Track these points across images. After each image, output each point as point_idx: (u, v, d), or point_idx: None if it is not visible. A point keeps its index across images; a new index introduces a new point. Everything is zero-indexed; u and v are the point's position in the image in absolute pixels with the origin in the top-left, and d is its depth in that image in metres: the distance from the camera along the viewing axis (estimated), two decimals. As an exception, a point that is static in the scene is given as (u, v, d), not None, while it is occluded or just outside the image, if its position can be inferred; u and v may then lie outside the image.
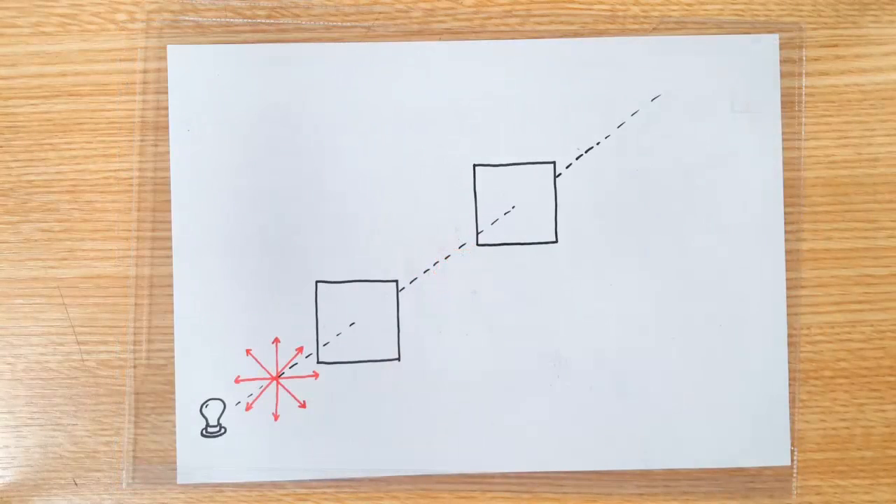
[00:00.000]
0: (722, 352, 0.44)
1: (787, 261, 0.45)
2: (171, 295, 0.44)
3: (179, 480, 0.44)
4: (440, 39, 0.45)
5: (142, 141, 0.44)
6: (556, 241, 0.44)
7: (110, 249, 0.44)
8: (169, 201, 0.44)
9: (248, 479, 0.43)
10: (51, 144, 0.45)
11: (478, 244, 0.44)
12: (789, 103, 0.45)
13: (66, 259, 0.44)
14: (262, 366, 0.44)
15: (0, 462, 0.44)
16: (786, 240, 0.45)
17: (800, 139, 0.45)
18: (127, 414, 0.44)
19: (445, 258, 0.44)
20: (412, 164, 0.44)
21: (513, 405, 0.44)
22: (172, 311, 0.44)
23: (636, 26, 0.45)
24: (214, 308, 0.44)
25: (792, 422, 0.44)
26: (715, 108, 0.45)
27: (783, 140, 0.45)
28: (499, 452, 0.44)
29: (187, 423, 0.44)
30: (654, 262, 0.44)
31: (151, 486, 0.44)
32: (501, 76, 0.45)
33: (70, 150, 0.45)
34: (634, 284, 0.44)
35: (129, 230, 0.44)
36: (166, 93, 0.44)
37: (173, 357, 0.44)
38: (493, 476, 0.44)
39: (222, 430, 0.44)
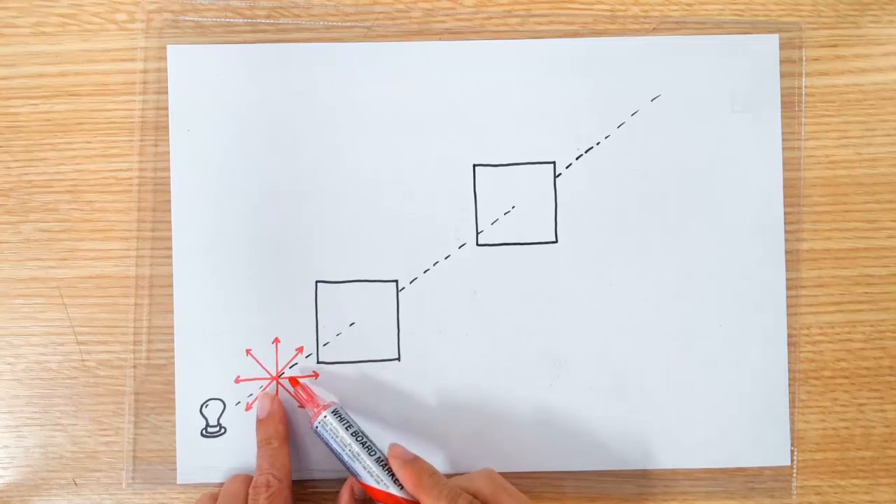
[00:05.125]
0: (722, 352, 0.44)
1: (787, 261, 0.45)
2: (171, 295, 0.44)
3: (179, 480, 0.44)
4: (440, 39, 0.45)
5: (142, 141, 0.44)
6: (556, 241, 0.44)
7: (110, 249, 0.44)
8: (169, 201, 0.44)
9: (248, 479, 0.44)
10: (51, 144, 0.45)
11: (478, 244, 0.44)
12: (789, 103, 0.45)
13: (66, 259, 0.44)
14: (262, 366, 0.44)
15: (0, 462, 0.44)
16: (786, 240, 0.45)
17: (800, 139, 0.45)
18: (127, 414, 0.44)
19: (445, 258, 0.44)
20: (412, 164, 0.44)
21: (513, 405, 0.44)
22: (172, 311, 0.44)
23: (636, 26, 0.45)
24: (214, 308, 0.44)
25: (792, 422, 0.44)
26: (715, 108, 0.45)
27: (783, 140, 0.45)
28: (499, 452, 0.44)
29: (187, 423, 0.44)
30: (654, 262, 0.44)
31: (151, 486, 0.44)
32: (501, 76, 0.45)
33: (70, 150, 0.45)
34: (634, 284, 0.44)
35: (129, 230, 0.44)
36: (166, 93, 0.44)
37: (173, 357, 0.44)
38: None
39: (222, 430, 0.44)
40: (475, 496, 0.37)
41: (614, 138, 0.45)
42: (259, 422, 0.43)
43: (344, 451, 0.40)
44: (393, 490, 0.39)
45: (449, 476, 0.39)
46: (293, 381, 0.43)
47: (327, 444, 0.41)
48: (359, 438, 0.40)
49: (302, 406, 0.43)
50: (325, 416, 0.41)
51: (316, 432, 0.41)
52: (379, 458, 0.40)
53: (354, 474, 0.40)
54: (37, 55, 0.45)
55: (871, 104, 0.45)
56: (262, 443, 0.42)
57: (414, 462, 0.39)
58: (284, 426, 0.43)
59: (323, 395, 0.43)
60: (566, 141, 0.45)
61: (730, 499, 0.44)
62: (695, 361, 0.44)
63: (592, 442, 0.44)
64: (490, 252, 0.44)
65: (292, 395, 0.43)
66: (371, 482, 0.39)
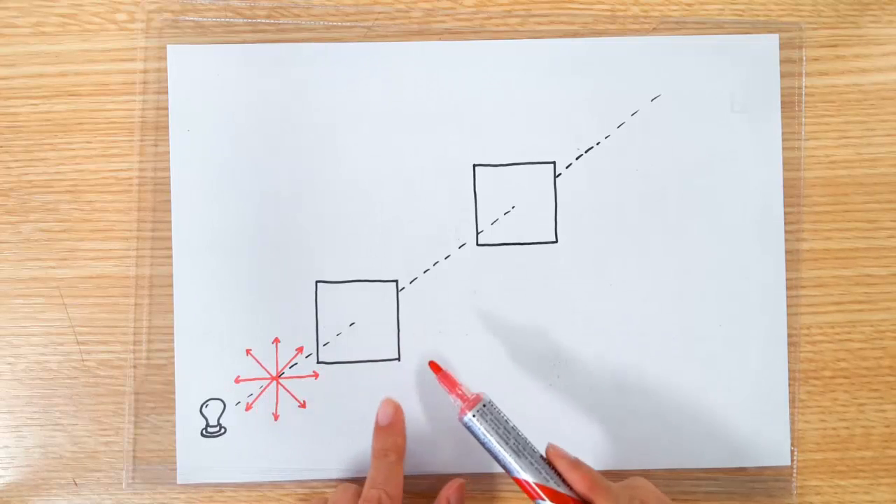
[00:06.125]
0: (722, 352, 0.44)
1: (787, 261, 0.45)
2: (171, 295, 0.44)
3: (179, 480, 0.44)
4: (440, 39, 0.45)
5: (142, 141, 0.44)
6: (556, 241, 0.44)
7: (110, 249, 0.44)
8: (169, 201, 0.44)
9: (248, 479, 0.43)
10: (51, 144, 0.45)
11: (478, 244, 0.44)
12: (789, 103, 0.45)
13: (66, 259, 0.44)
14: (262, 366, 0.44)
15: (0, 462, 0.44)
16: (786, 240, 0.45)
17: (800, 139, 0.45)
18: (127, 414, 0.44)
19: (445, 258, 0.44)
20: (412, 164, 0.44)
21: (513, 405, 0.44)
22: (172, 311, 0.44)
23: (636, 26, 0.45)
24: (214, 308, 0.44)
25: (792, 422, 0.44)
26: (715, 108, 0.45)
27: (783, 140, 0.45)
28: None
29: (187, 423, 0.44)
30: (654, 262, 0.44)
31: (151, 486, 0.44)
32: (501, 76, 0.45)
33: (70, 150, 0.45)
34: (634, 284, 0.44)
35: (129, 230, 0.44)
36: (166, 93, 0.44)
37: (173, 357, 0.44)
38: (493, 476, 0.44)
39: (222, 430, 0.44)
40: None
41: (614, 138, 0.45)
42: (378, 430, 0.41)
43: (507, 443, 0.38)
44: (562, 489, 0.37)
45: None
46: (434, 366, 0.41)
47: (481, 435, 0.38)
48: (519, 432, 0.39)
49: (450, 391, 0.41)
50: (484, 406, 0.39)
51: (468, 422, 0.39)
52: (540, 455, 0.38)
53: (510, 469, 0.38)
54: (37, 55, 0.45)
55: (871, 104, 0.45)
56: (379, 454, 0.39)
57: (582, 464, 0.37)
58: (404, 440, 0.40)
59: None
60: (566, 141, 0.45)
61: (730, 499, 0.44)
62: (695, 361, 0.44)
63: (592, 442, 0.44)
64: (490, 252, 0.44)
65: (441, 382, 0.41)
66: (534, 478, 0.37)
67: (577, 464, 0.37)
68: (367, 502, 0.37)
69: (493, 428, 0.38)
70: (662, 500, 0.37)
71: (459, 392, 0.40)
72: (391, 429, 0.41)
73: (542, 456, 0.38)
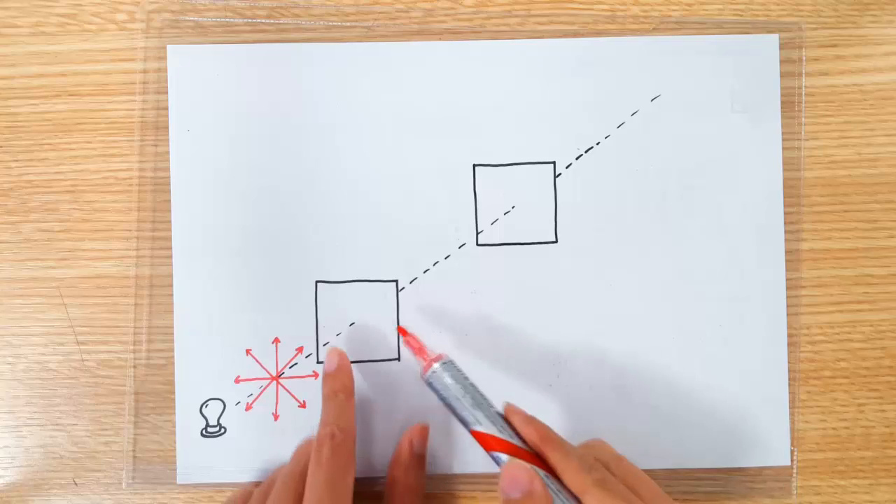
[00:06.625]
0: (722, 352, 0.44)
1: (787, 261, 0.45)
2: (171, 295, 0.44)
3: (179, 480, 0.44)
4: (440, 39, 0.45)
5: (142, 141, 0.44)
6: (556, 241, 0.44)
7: (110, 249, 0.44)
8: (169, 201, 0.44)
9: (248, 479, 0.43)
10: (51, 144, 0.45)
11: (478, 244, 0.44)
12: (789, 103, 0.45)
13: (66, 259, 0.44)
14: (262, 366, 0.44)
15: (0, 462, 0.44)
16: (786, 240, 0.45)
17: (800, 139, 0.45)
18: (127, 414, 0.44)
19: (445, 258, 0.44)
20: (412, 164, 0.44)
21: (513, 405, 0.44)
22: (172, 311, 0.44)
23: (636, 26, 0.45)
24: (214, 308, 0.44)
25: (792, 422, 0.44)
26: (715, 108, 0.45)
27: (783, 140, 0.45)
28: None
29: (187, 423, 0.44)
30: (654, 263, 0.44)
31: (151, 486, 0.44)
32: (501, 76, 0.45)
33: (70, 150, 0.45)
34: (634, 284, 0.44)
35: (129, 230, 0.44)
36: (166, 93, 0.44)
37: (173, 357, 0.44)
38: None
39: (222, 430, 0.44)
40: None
41: (614, 138, 0.45)
42: (326, 375, 0.41)
43: (466, 396, 0.39)
44: (516, 441, 0.37)
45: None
46: (402, 330, 0.43)
47: (442, 390, 0.39)
48: (478, 389, 0.39)
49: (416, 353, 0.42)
50: (445, 363, 0.40)
51: (430, 379, 0.40)
52: (498, 412, 0.39)
53: (469, 423, 0.38)
54: (37, 55, 0.45)
55: (871, 104, 0.45)
56: (329, 396, 0.40)
57: (537, 420, 0.37)
58: (352, 381, 0.41)
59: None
60: (566, 141, 0.45)
61: (730, 499, 0.45)
62: (695, 361, 0.44)
63: (592, 442, 0.44)
64: (490, 252, 0.44)
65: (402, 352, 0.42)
66: (493, 431, 0.38)
67: (531, 419, 0.37)
68: (320, 439, 0.37)
69: (453, 383, 0.39)
70: (620, 458, 0.38)
71: (424, 354, 0.41)
72: (338, 372, 0.41)
73: (499, 413, 0.39)
